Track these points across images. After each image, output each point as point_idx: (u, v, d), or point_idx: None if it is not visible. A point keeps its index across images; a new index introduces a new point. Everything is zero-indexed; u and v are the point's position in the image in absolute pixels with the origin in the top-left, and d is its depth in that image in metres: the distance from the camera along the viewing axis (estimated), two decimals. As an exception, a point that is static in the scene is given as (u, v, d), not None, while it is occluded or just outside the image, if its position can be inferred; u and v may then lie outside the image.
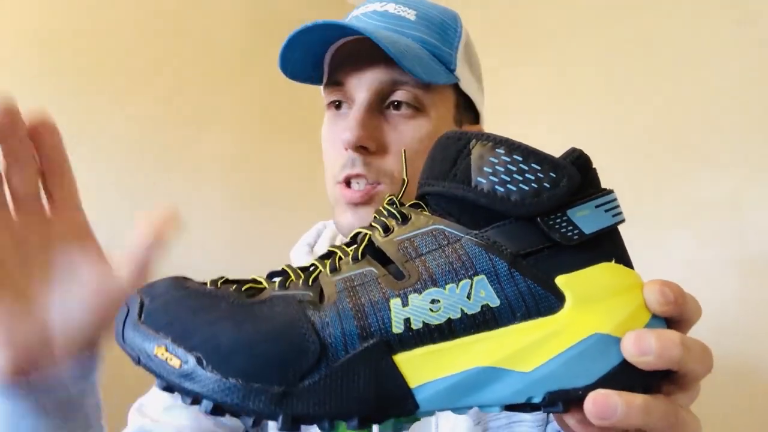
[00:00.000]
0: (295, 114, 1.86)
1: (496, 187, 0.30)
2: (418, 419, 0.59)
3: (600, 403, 0.27)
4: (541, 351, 0.28)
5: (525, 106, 1.43)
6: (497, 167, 0.30)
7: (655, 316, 0.30)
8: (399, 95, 0.57)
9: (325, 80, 0.61)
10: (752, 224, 0.96)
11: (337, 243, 0.68)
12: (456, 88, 0.61)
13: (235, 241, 1.78)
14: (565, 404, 0.28)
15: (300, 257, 0.68)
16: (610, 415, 0.27)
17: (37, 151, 0.36)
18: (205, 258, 1.68)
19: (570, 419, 0.29)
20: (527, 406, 0.29)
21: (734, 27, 1.02)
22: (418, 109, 0.58)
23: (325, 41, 0.57)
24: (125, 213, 1.60)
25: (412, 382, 0.27)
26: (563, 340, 0.28)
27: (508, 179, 0.30)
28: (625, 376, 0.28)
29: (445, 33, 0.60)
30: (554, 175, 0.30)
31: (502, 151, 0.30)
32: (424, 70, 0.54)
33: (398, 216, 0.32)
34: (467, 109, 0.64)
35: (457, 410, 0.29)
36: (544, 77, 1.41)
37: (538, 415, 0.60)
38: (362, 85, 0.57)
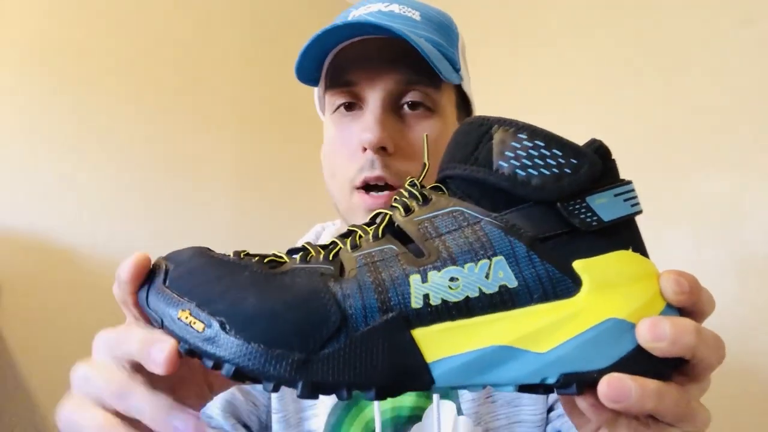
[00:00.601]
0: (297, 115, 1.86)
1: (517, 171, 0.30)
2: (428, 405, 0.59)
3: (614, 386, 0.27)
4: (557, 333, 0.29)
5: (524, 106, 1.43)
6: (519, 152, 0.31)
7: (669, 305, 0.30)
8: (414, 95, 0.57)
9: (327, 81, 0.59)
10: (752, 224, 0.96)
11: None
12: (456, 87, 0.61)
13: (236, 242, 1.79)
14: (579, 386, 0.28)
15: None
16: (623, 399, 0.27)
17: None
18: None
19: (582, 402, 0.30)
20: (541, 387, 0.29)
21: (735, 27, 1.02)
22: (431, 108, 0.58)
23: (338, 42, 0.56)
24: (126, 213, 1.61)
25: (429, 357, 0.28)
26: (579, 323, 0.29)
27: (530, 164, 0.30)
28: (639, 362, 0.29)
29: (447, 33, 0.61)
30: (575, 162, 0.30)
31: (524, 136, 0.31)
32: (445, 70, 0.55)
33: (419, 197, 0.33)
34: (463, 108, 0.64)
35: (471, 387, 0.29)
36: (543, 77, 1.42)
37: (538, 416, 0.60)
38: (376, 86, 0.56)
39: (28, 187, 1.47)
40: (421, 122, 0.57)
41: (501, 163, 0.31)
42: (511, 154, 0.31)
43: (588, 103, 1.28)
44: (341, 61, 0.57)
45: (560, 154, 0.30)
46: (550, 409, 0.61)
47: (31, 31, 1.51)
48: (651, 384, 0.28)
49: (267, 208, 1.87)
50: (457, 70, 0.59)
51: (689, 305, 0.30)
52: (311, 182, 1.71)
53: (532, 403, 0.60)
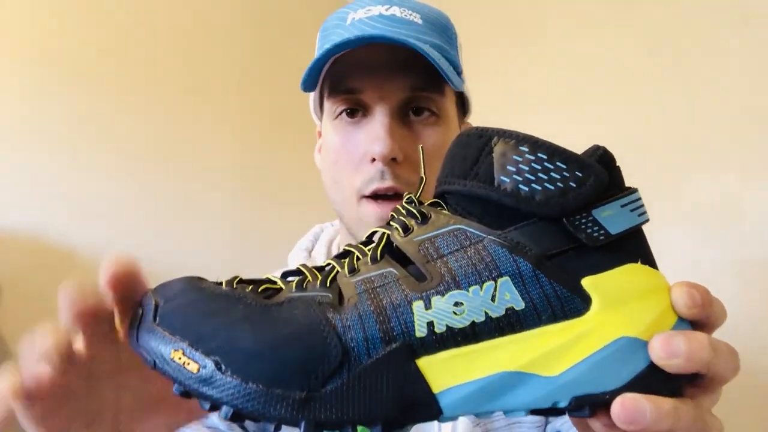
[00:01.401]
0: (298, 116, 1.83)
1: (520, 186, 0.29)
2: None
3: (629, 407, 0.26)
4: (568, 355, 0.27)
5: (524, 106, 1.42)
6: (521, 166, 0.29)
7: (681, 319, 0.29)
8: (421, 102, 0.56)
9: (328, 87, 0.58)
10: (752, 224, 0.96)
11: (334, 247, 0.68)
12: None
13: (236, 243, 1.78)
14: (592, 409, 0.27)
15: (298, 262, 0.67)
16: (639, 420, 0.26)
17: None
18: (206, 259, 1.67)
19: (596, 424, 0.29)
20: (552, 411, 0.28)
21: (736, 27, 1.01)
22: (436, 114, 0.57)
23: (342, 49, 0.54)
24: (126, 213, 1.60)
25: (436, 387, 0.27)
26: (590, 343, 0.28)
27: (533, 178, 0.29)
28: (653, 380, 0.28)
29: (448, 35, 0.60)
30: (580, 174, 0.29)
31: (526, 149, 0.29)
32: (453, 78, 0.54)
33: (418, 215, 0.31)
34: (460, 106, 0.63)
35: (480, 415, 0.28)
36: (543, 78, 1.40)
37: (538, 417, 0.59)
38: (383, 94, 0.55)
39: (28, 187, 1.46)
40: (427, 129, 0.57)
41: (503, 177, 0.29)
42: (513, 168, 0.29)
43: (587, 104, 1.26)
44: (344, 67, 0.55)
45: (564, 167, 0.29)
46: None
47: (31, 31, 1.49)
48: (666, 403, 0.27)
49: (267, 208, 1.86)
50: (459, 73, 0.59)
51: (702, 318, 0.29)
52: (311, 183, 1.70)
53: None
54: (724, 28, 1.03)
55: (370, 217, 0.55)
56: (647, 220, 0.31)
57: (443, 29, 0.59)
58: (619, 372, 0.28)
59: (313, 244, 0.71)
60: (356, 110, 0.57)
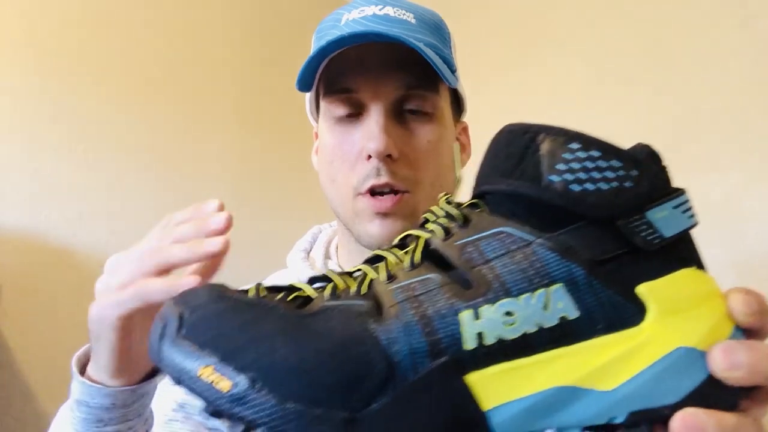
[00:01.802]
0: (297, 116, 1.81)
1: (572, 186, 0.27)
2: None
3: (690, 423, 0.25)
4: (624, 367, 0.26)
5: (523, 106, 1.41)
6: (572, 164, 0.27)
7: (737, 327, 0.28)
8: (415, 100, 0.56)
9: (324, 87, 0.58)
10: (752, 224, 0.95)
11: (332, 248, 0.67)
12: (451, 87, 0.60)
13: (234, 243, 1.74)
14: (650, 425, 0.26)
15: (297, 263, 0.66)
16: None
17: None
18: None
19: None
20: (607, 427, 0.26)
21: (736, 27, 1.00)
22: (431, 112, 0.57)
23: (336, 48, 0.54)
24: (126, 213, 1.58)
25: (486, 404, 0.25)
26: (647, 355, 0.26)
27: (585, 177, 0.27)
28: (712, 393, 0.26)
29: (441, 34, 0.60)
30: (636, 173, 0.27)
31: (577, 146, 0.27)
32: (447, 75, 0.54)
33: (458, 217, 0.29)
34: (455, 106, 0.63)
35: (531, 432, 0.26)
36: (542, 78, 1.39)
37: None
38: (378, 93, 0.55)
39: (28, 187, 1.45)
40: (422, 127, 0.57)
41: (552, 177, 0.27)
42: (564, 167, 0.27)
43: (586, 104, 1.25)
44: (339, 67, 0.55)
45: (620, 165, 0.27)
46: None
47: (31, 31, 1.48)
48: (728, 419, 0.25)
49: (265, 209, 1.84)
50: (453, 71, 0.59)
51: (758, 326, 0.28)
52: (309, 185, 1.68)
53: None
54: (724, 28, 1.02)
55: (366, 212, 0.56)
56: (697, 223, 0.30)
57: (436, 28, 0.60)
58: (678, 385, 0.26)
59: (312, 245, 0.70)
60: (351, 109, 0.57)
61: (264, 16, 1.92)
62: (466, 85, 0.64)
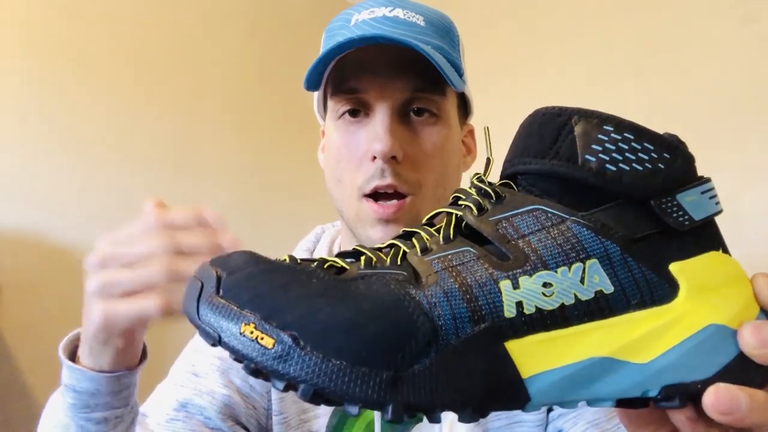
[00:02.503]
0: (300, 116, 1.82)
1: (607, 165, 0.28)
2: (421, 420, 0.57)
3: (723, 396, 0.25)
4: (659, 342, 0.26)
5: (523, 107, 1.43)
6: (607, 145, 0.28)
7: (762, 311, 0.29)
8: (421, 102, 0.57)
9: (331, 87, 0.58)
10: (752, 224, 0.97)
11: (335, 247, 0.67)
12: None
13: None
14: (682, 399, 0.26)
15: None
16: (734, 410, 0.25)
17: None
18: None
19: (679, 416, 0.27)
20: (639, 401, 0.27)
21: (736, 27, 1.03)
22: (437, 114, 0.58)
23: (345, 49, 0.54)
24: (126, 213, 1.55)
25: (525, 372, 0.25)
26: (680, 330, 0.26)
27: (620, 158, 0.28)
28: (742, 370, 0.27)
29: (450, 37, 0.61)
30: (668, 156, 0.28)
31: (611, 128, 0.28)
32: (454, 79, 0.54)
33: (492, 194, 0.30)
34: (462, 108, 0.64)
35: (567, 404, 0.26)
36: (542, 79, 1.41)
37: (538, 416, 0.59)
38: (384, 94, 0.56)
39: (28, 187, 1.44)
40: (427, 129, 0.57)
41: (588, 157, 0.28)
42: (599, 148, 0.28)
43: (585, 103, 1.27)
44: (346, 67, 0.56)
45: (652, 147, 0.28)
46: (550, 409, 0.60)
47: (32, 31, 1.48)
48: (760, 395, 0.26)
49: (267, 210, 1.84)
50: (461, 75, 0.60)
51: None
52: (314, 184, 1.68)
53: None
54: (724, 28, 1.04)
55: (369, 217, 0.56)
56: (722, 210, 0.31)
57: (445, 31, 0.60)
58: (710, 361, 0.26)
59: (315, 245, 0.70)
60: (358, 110, 0.57)
61: (265, 16, 1.93)
62: (469, 86, 0.65)
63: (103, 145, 1.56)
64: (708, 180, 0.30)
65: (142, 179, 1.61)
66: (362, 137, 0.57)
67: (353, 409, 0.23)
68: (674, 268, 0.27)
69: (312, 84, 0.58)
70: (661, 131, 0.29)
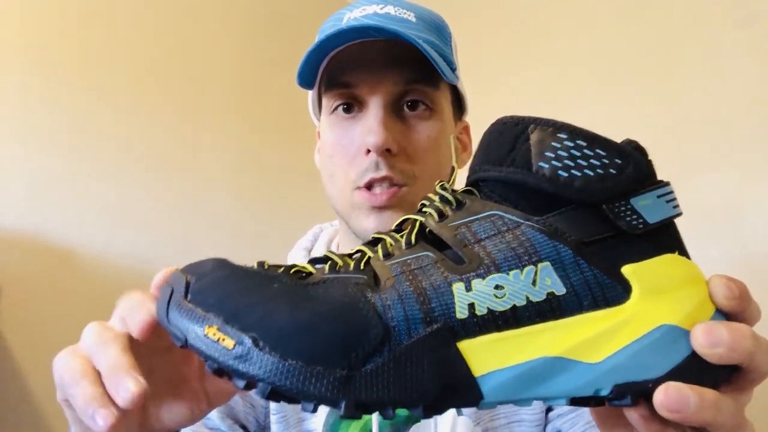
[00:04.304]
0: (298, 115, 1.84)
1: (560, 172, 0.29)
2: (419, 420, 0.58)
3: (672, 395, 0.26)
4: (610, 342, 0.27)
5: (523, 107, 1.44)
6: (560, 152, 0.29)
7: (718, 311, 0.29)
8: (414, 96, 0.57)
9: (324, 83, 0.59)
10: (752, 224, 0.96)
11: (333, 247, 0.68)
12: (451, 85, 0.62)
13: (235, 242, 1.76)
14: (634, 397, 0.27)
15: (298, 262, 0.66)
16: (682, 408, 0.26)
17: None
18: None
19: (633, 414, 0.28)
20: (593, 400, 0.27)
21: (736, 27, 1.03)
22: (431, 108, 0.58)
23: (337, 45, 0.55)
24: (126, 213, 1.58)
25: (477, 370, 0.26)
26: (632, 330, 0.27)
27: (572, 164, 0.29)
28: (694, 370, 0.27)
29: (441, 33, 0.61)
30: (620, 162, 0.29)
31: (564, 136, 0.29)
32: (445, 70, 0.55)
33: (452, 201, 0.31)
34: (457, 106, 0.64)
35: (520, 402, 0.27)
36: (543, 78, 1.41)
37: (537, 415, 0.59)
38: (377, 88, 0.56)
39: (28, 187, 1.45)
40: (421, 122, 0.57)
41: (541, 164, 0.29)
42: (552, 155, 0.29)
43: (586, 104, 1.28)
44: (339, 63, 0.56)
45: (604, 153, 0.29)
46: (549, 409, 0.61)
47: (31, 32, 1.49)
48: (709, 394, 0.26)
49: (266, 209, 1.85)
50: (453, 69, 0.60)
51: (739, 311, 0.29)
52: (310, 183, 1.70)
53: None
54: (724, 28, 1.04)
55: (363, 206, 0.56)
56: (681, 213, 0.31)
57: (437, 28, 0.61)
58: (661, 360, 0.27)
59: (313, 244, 0.70)
60: (351, 105, 0.57)
61: (265, 15, 1.94)
62: (468, 86, 0.65)
63: (103, 145, 1.57)
64: (666, 184, 0.31)
65: (142, 179, 1.62)
66: (356, 132, 0.57)
67: (309, 406, 0.24)
68: (627, 270, 0.28)
69: (304, 80, 0.58)
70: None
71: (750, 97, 1.00)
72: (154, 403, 0.34)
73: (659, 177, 0.31)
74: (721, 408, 0.27)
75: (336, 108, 0.58)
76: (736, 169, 1.00)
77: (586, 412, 0.58)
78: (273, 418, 0.58)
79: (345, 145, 0.57)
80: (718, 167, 1.02)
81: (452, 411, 0.57)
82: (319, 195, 0.62)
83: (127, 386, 0.28)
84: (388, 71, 0.56)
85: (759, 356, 0.27)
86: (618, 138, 0.32)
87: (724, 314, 0.29)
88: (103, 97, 1.59)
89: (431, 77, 0.56)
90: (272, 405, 0.59)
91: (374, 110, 0.55)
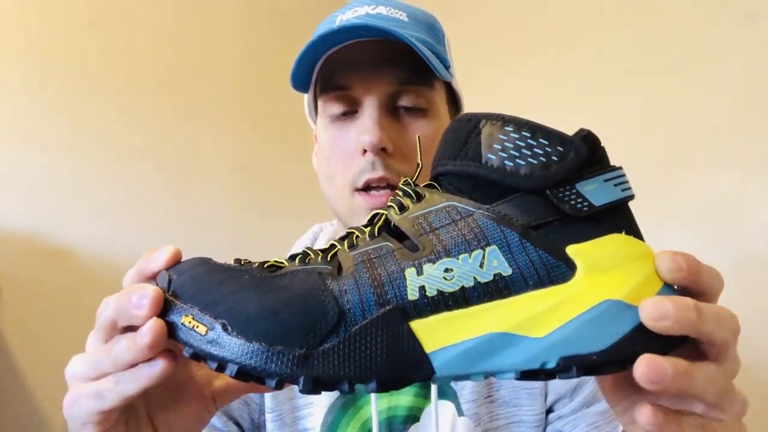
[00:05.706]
0: (296, 116, 1.85)
1: (506, 162, 0.31)
2: (425, 405, 0.59)
3: (651, 366, 0.27)
4: (554, 317, 0.29)
5: (523, 106, 1.44)
6: (506, 143, 0.31)
7: (666, 285, 0.31)
8: (409, 95, 0.57)
9: (319, 86, 0.59)
10: (752, 224, 0.95)
11: None
12: (446, 84, 0.62)
13: (235, 242, 1.78)
14: (579, 369, 0.28)
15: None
16: (662, 378, 0.27)
17: None
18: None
19: (605, 384, 0.30)
20: (542, 373, 0.29)
21: (735, 27, 1.02)
22: (426, 107, 0.58)
23: (330, 47, 0.56)
24: (126, 213, 1.60)
25: (428, 347, 0.28)
26: (575, 306, 0.29)
27: (517, 154, 0.31)
28: (639, 342, 0.29)
29: (434, 31, 0.61)
30: (562, 149, 0.31)
31: (510, 129, 0.32)
32: (439, 68, 0.55)
33: (413, 195, 0.34)
34: (453, 105, 0.65)
35: (473, 377, 0.29)
36: (542, 79, 1.41)
37: (536, 416, 0.60)
38: (371, 88, 0.56)
39: (28, 187, 1.47)
40: (417, 121, 0.58)
41: (489, 155, 0.31)
42: (499, 147, 0.31)
43: (586, 104, 1.28)
44: (333, 65, 0.57)
45: (546, 143, 0.31)
46: (549, 411, 0.61)
47: (31, 32, 1.51)
48: (681, 363, 0.28)
49: (266, 209, 1.86)
50: (447, 67, 0.60)
51: (688, 284, 0.30)
52: (310, 183, 1.73)
53: (531, 403, 0.60)
54: (724, 28, 1.03)
55: (362, 209, 0.56)
56: (632, 196, 0.33)
57: (430, 26, 0.61)
58: (605, 334, 0.29)
59: (313, 243, 0.71)
60: (347, 107, 0.58)
61: (265, 15, 1.95)
62: (465, 85, 0.66)
63: (103, 145, 1.58)
64: (615, 168, 0.33)
65: (142, 179, 1.63)
66: (351, 133, 0.57)
67: (272, 383, 0.27)
68: (571, 250, 0.30)
69: (298, 82, 0.59)
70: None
71: (751, 97, 0.99)
72: (165, 412, 0.37)
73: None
74: (694, 375, 0.28)
75: (332, 110, 0.59)
76: (736, 169, 0.99)
77: (586, 413, 0.59)
78: (268, 417, 0.59)
79: (341, 147, 0.58)
80: (719, 167, 1.01)
81: (452, 412, 0.58)
82: (319, 195, 0.63)
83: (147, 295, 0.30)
84: (382, 71, 0.56)
85: (702, 326, 0.29)
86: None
87: (673, 289, 0.31)
88: (103, 97, 1.59)
89: (425, 76, 0.57)
90: (267, 403, 0.60)
91: (369, 110, 0.56)
